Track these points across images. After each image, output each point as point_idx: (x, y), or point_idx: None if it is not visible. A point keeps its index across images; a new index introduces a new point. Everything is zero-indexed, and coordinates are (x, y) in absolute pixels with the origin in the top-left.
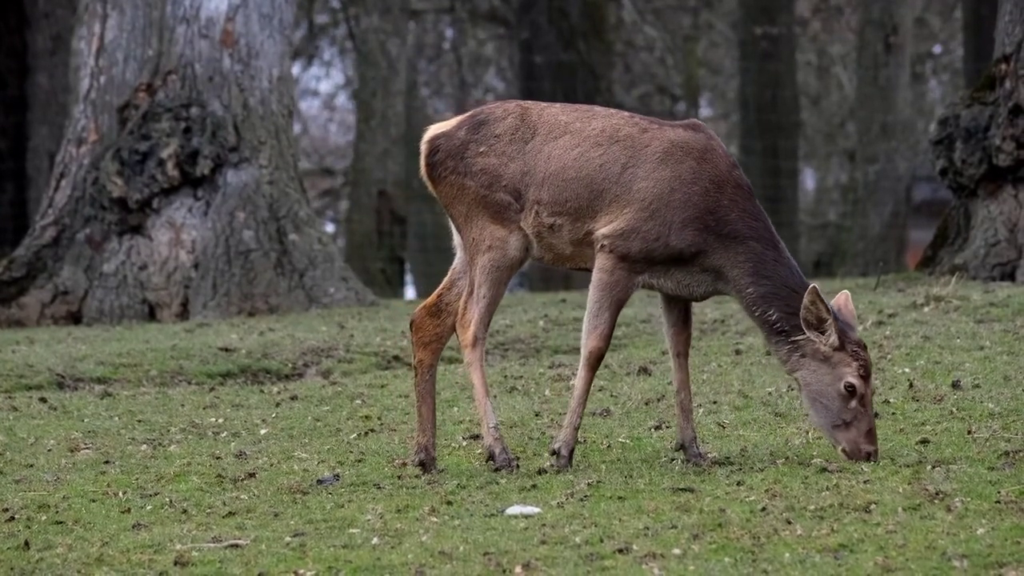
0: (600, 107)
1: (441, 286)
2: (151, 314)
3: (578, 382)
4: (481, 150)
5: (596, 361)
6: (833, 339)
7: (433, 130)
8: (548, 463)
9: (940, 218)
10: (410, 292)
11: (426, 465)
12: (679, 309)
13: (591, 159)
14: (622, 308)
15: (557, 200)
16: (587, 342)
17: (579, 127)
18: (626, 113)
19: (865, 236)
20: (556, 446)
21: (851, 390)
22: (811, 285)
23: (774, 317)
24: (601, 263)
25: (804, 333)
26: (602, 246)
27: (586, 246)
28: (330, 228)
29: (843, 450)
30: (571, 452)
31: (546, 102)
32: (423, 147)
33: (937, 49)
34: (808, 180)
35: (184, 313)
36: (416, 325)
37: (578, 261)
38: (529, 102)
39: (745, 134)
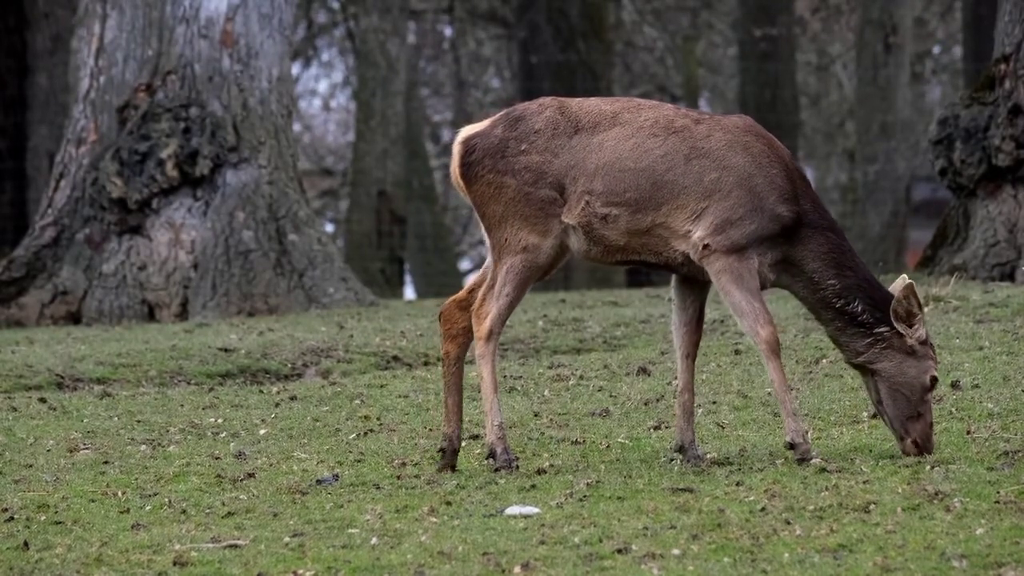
0: (640, 99)
1: (472, 281)
2: (150, 314)
3: (772, 375)
4: (523, 148)
5: (776, 347)
6: (921, 333)
7: (467, 131)
8: (794, 460)
9: (940, 218)
10: (409, 292)
11: (447, 454)
12: (694, 309)
13: (650, 150)
14: (762, 292)
15: (613, 190)
16: (758, 335)
17: (629, 117)
18: (671, 104)
19: (864, 236)
20: (791, 438)
21: (935, 383)
22: (908, 281)
23: (859, 309)
24: (716, 267)
25: (887, 326)
26: (705, 246)
27: (645, 236)
28: (330, 228)
29: (913, 441)
30: (805, 435)
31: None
32: (457, 148)
33: (937, 49)
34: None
35: (183, 313)
36: (444, 317)
37: (629, 253)
38: (563, 98)
39: None
